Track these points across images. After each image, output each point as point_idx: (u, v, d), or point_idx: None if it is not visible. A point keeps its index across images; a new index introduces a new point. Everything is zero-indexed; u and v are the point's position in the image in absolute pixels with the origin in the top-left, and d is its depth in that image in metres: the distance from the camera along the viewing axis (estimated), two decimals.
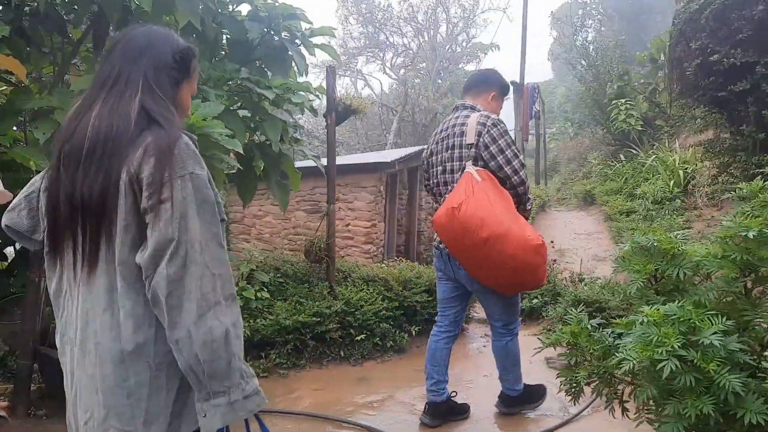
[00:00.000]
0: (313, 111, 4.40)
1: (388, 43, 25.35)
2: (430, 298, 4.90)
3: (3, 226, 1.55)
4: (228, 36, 4.34)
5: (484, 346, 4.94)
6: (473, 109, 3.31)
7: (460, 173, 3.13)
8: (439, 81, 23.55)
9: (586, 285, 5.53)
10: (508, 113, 10.95)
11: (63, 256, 1.39)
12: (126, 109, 1.35)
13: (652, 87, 12.85)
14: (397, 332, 4.76)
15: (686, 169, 9.25)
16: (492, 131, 3.09)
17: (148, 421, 1.30)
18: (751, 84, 5.48)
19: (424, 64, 25.19)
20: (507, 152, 3.08)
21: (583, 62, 14.37)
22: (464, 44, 27.03)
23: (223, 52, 4.43)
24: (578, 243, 9.14)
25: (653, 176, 9.43)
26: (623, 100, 11.34)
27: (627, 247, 2.11)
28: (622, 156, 11.15)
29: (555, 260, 6.46)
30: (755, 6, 5.37)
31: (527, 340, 5.12)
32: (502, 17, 43.26)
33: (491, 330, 3.48)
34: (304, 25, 4.30)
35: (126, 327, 1.29)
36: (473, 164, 3.09)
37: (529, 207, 3.27)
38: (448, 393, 3.49)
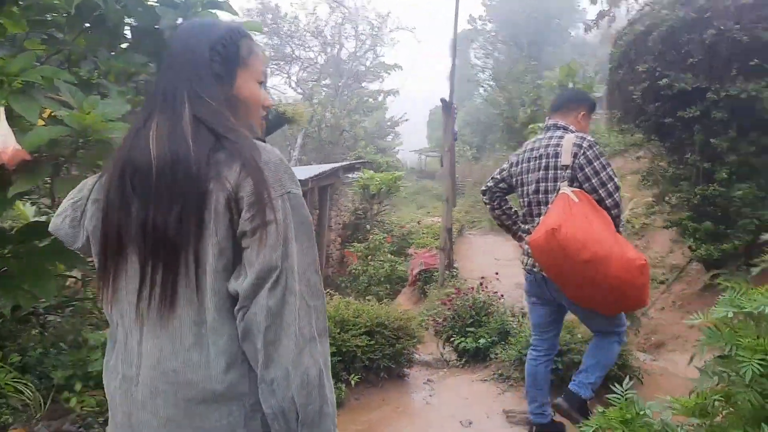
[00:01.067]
0: None
1: (293, 56, 24.63)
2: (371, 341, 4.22)
3: (50, 229, 1.47)
4: (134, 23, 3.54)
5: (431, 396, 4.32)
6: (566, 129, 3.25)
7: (555, 194, 3.10)
8: (345, 97, 23.11)
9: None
10: (435, 132, 10.52)
11: (119, 283, 1.26)
12: (181, 128, 1.22)
13: None
14: (335, 383, 4.05)
15: None
16: (588, 153, 3.07)
17: None
18: (701, 111, 5.26)
19: (328, 80, 24.66)
20: (602, 174, 3.05)
21: (491, 83, 14.31)
22: (368, 63, 26.82)
23: (128, 43, 3.62)
24: (501, 270, 8.78)
25: None
26: (541, 124, 11.25)
27: (723, 312, 1.56)
28: None
29: (502, 295, 5.95)
30: (705, 29, 5.16)
31: (478, 387, 4.55)
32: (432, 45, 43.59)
33: (601, 334, 3.31)
34: (226, 17, 3.56)
35: (218, 365, 1.17)
36: (569, 185, 3.06)
37: (621, 230, 3.14)
38: (552, 415, 3.43)
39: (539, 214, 3.19)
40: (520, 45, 30.37)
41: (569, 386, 3.27)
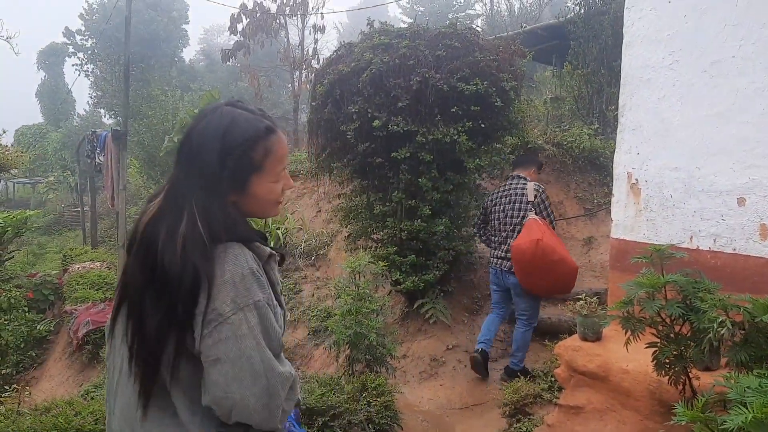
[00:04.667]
0: None
1: None
2: None
3: None
4: None
5: None
6: (525, 179, 5.13)
7: (519, 219, 4.93)
8: None
9: None
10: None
11: (117, 332, 1.44)
12: (174, 239, 1.33)
13: None
14: None
15: (278, 228, 9.11)
16: (542, 195, 5.03)
17: None
18: (411, 152, 5.54)
19: None
20: (549, 209, 5.06)
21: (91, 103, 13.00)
22: None
23: None
24: None
25: None
26: None
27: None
28: None
29: None
30: (411, 76, 5.46)
31: None
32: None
33: (517, 320, 5.13)
34: None
35: None
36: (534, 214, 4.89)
37: None
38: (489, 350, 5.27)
39: (505, 231, 5.02)
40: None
41: (508, 365, 5.17)
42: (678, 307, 2.41)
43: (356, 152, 5.77)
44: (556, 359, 4.51)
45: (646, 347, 2.59)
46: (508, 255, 4.93)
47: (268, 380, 1.33)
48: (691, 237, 3.49)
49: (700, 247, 3.43)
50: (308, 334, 7.05)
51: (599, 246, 7.25)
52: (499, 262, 5.10)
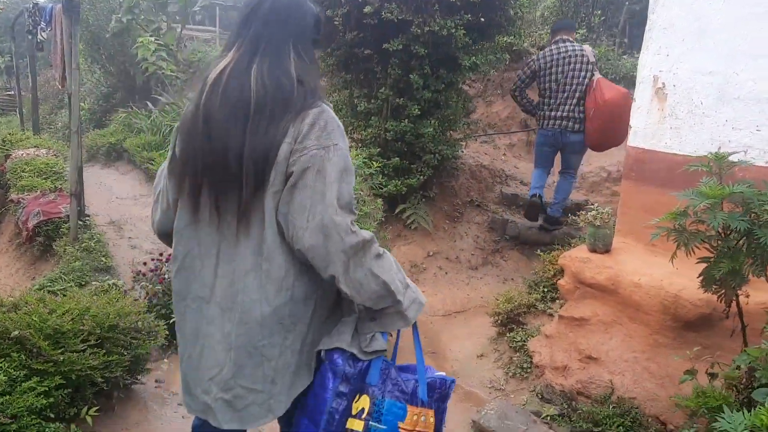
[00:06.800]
0: None
1: None
2: (106, 354, 2.88)
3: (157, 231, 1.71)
4: None
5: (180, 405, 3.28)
6: (573, 42, 5.32)
7: (581, 79, 5.12)
8: None
9: None
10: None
11: (202, 215, 1.48)
12: (287, 73, 1.45)
13: (155, 25, 11.44)
14: (59, 426, 2.65)
15: None
16: (595, 55, 5.31)
17: (274, 381, 1.47)
18: (403, 44, 5.11)
19: None
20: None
21: None
22: None
23: None
24: (128, 210, 7.50)
25: None
26: (152, 38, 9.70)
27: None
28: (149, 104, 9.64)
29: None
30: None
31: None
32: None
33: (564, 174, 5.49)
34: None
35: (267, 290, 1.43)
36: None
37: None
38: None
39: (566, 92, 5.15)
40: None
41: (548, 212, 5.52)
42: (742, 220, 2.21)
43: (342, 41, 5.29)
44: (550, 269, 4.39)
45: (697, 262, 2.41)
46: (571, 115, 5.13)
47: (323, 219, 1.38)
48: (719, 147, 3.26)
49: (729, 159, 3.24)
50: None
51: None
52: (559, 123, 5.21)
